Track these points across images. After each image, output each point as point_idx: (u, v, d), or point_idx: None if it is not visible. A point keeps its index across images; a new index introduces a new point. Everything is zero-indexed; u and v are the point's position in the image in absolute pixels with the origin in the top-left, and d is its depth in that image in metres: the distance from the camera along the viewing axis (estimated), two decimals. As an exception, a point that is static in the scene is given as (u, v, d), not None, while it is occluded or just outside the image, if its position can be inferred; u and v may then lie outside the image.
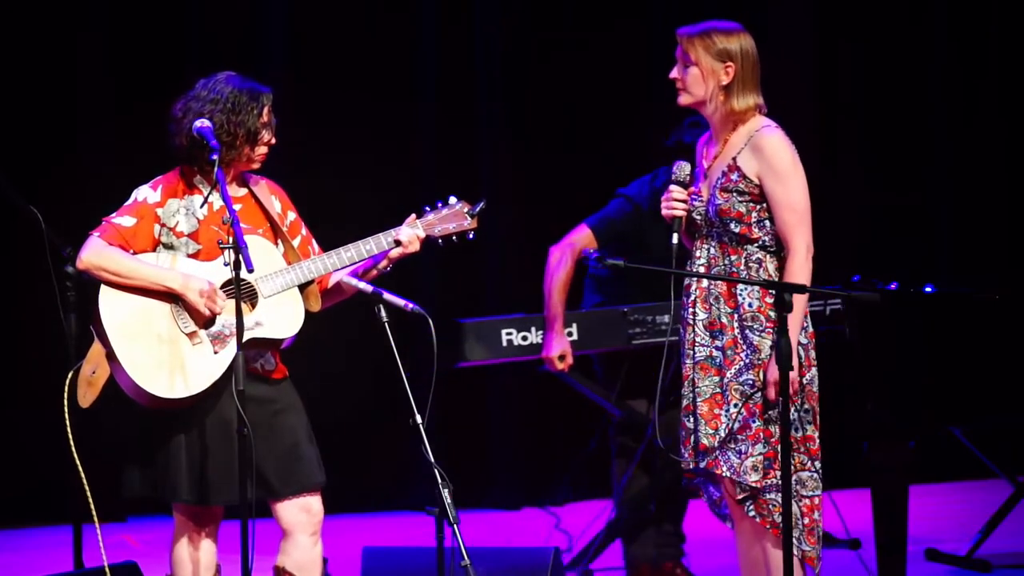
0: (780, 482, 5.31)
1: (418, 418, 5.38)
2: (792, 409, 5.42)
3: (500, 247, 9.72)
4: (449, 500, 5.31)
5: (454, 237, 5.74)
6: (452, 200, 5.75)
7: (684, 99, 5.58)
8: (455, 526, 5.30)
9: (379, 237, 5.66)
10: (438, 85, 9.72)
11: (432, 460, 5.31)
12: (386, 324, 5.50)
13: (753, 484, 5.39)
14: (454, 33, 9.75)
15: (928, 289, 6.76)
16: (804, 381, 5.49)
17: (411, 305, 5.53)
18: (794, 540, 5.35)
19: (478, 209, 5.73)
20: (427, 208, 5.74)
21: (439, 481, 5.31)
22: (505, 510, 9.69)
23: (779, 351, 5.20)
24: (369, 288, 5.61)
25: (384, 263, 5.70)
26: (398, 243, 5.66)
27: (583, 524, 8.96)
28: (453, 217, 5.73)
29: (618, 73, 9.88)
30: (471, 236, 5.75)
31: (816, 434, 5.50)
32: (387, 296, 5.55)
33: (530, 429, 9.88)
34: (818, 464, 5.48)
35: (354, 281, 5.65)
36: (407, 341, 5.60)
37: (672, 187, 5.58)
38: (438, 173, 9.70)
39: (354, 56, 9.62)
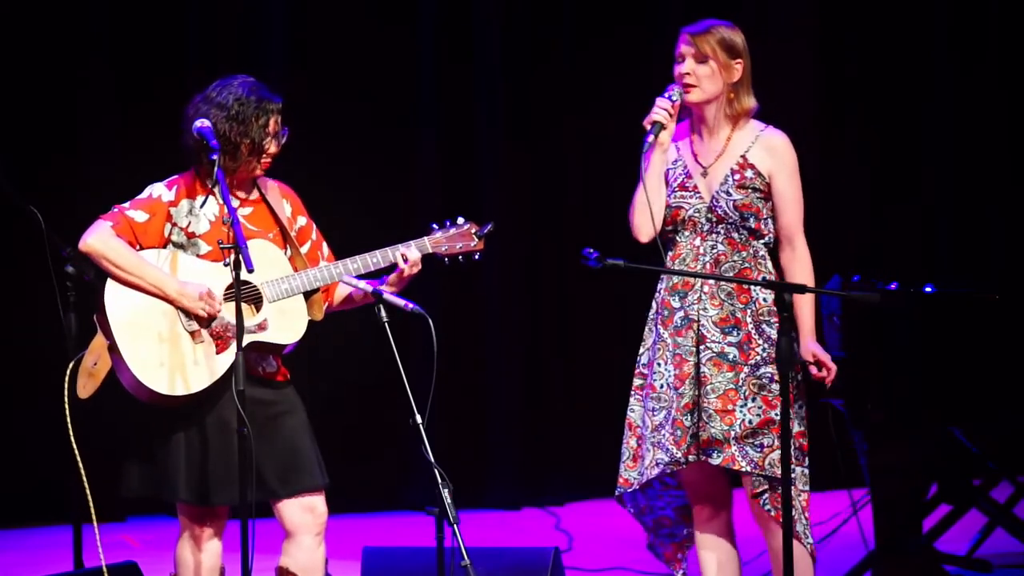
0: (795, 476, 5.46)
1: (418, 418, 5.38)
2: (797, 405, 5.54)
3: (499, 246, 9.71)
4: (449, 500, 5.31)
5: (460, 257, 5.76)
6: (460, 220, 5.78)
7: (696, 96, 5.60)
8: (455, 526, 5.30)
9: (386, 251, 5.68)
10: (438, 84, 9.71)
11: (432, 460, 5.31)
12: (386, 324, 5.50)
13: (779, 477, 5.43)
14: (454, 32, 9.75)
15: (928, 289, 6.77)
16: (798, 379, 5.60)
17: (411, 305, 5.53)
18: (801, 532, 5.52)
19: (486, 231, 5.76)
20: (435, 226, 5.77)
21: (439, 481, 5.31)
22: (505, 510, 9.68)
23: (779, 351, 5.24)
24: (369, 288, 5.61)
25: (392, 289, 5.69)
26: (405, 258, 5.66)
27: (583, 524, 8.98)
28: (460, 237, 5.76)
29: (619, 73, 9.88)
30: (477, 257, 5.78)
31: (805, 431, 5.62)
32: (387, 296, 5.55)
33: (530, 429, 9.88)
34: (807, 461, 5.59)
35: (353, 280, 5.66)
36: (408, 341, 5.61)
37: (659, 100, 5.60)
38: (440, 173, 9.70)
39: (354, 56, 9.61)
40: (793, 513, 5.46)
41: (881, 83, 10.17)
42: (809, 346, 5.61)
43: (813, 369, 5.60)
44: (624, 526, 9.00)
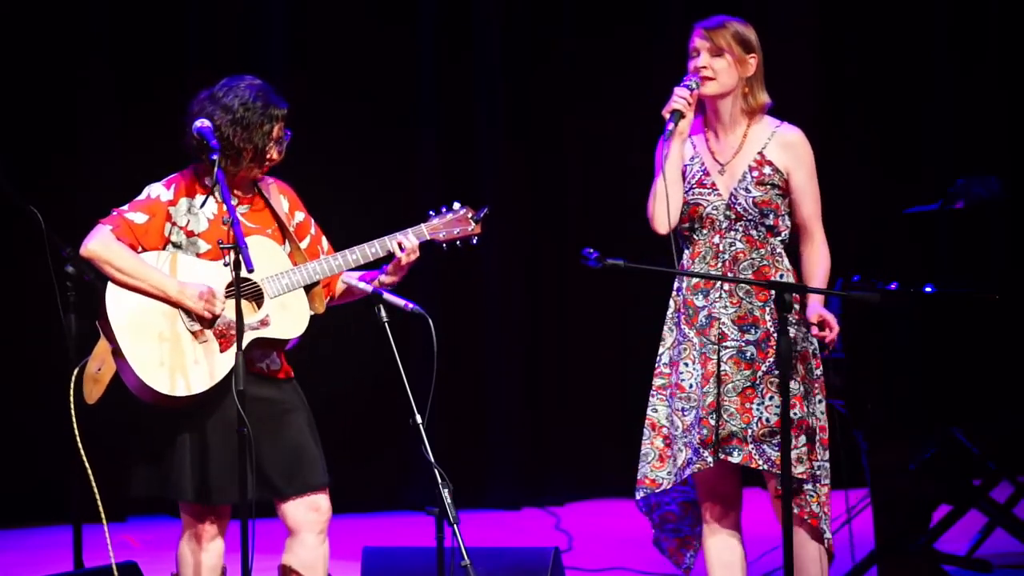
0: (816, 472, 5.53)
1: (418, 418, 5.39)
2: (817, 399, 5.58)
3: (499, 246, 9.72)
4: (449, 500, 5.31)
5: (458, 242, 5.78)
6: (456, 206, 5.80)
7: (713, 88, 5.60)
8: (455, 526, 5.30)
9: (384, 240, 5.70)
10: (438, 84, 9.71)
11: (432, 460, 5.31)
12: (386, 324, 5.50)
13: (799, 476, 5.47)
14: (454, 32, 9.75)
15: (928, 289, 6.77)
16: (816, 374, 5.60)
17: (411, 305, 5.53)
18: (824, 528, 5.57)
19: (482, 215, 5.79)
20: (431, 212, 5.79)
21: (439, 481, 5.31)
22: (505, 510, 9.68)
23: (779, 351, 5.24)
24: (369, 288, 5.62)
25: (391, 279, 5.70)
26: (402, 246, 5.68)
27: (583, 524, 8.98)
28: (457, 222, 5.77)
29: (619, 73, 9.88)
30: (475, 241, 5.80)
31: (826, 426, 5.64)
32: (387, 296, 5.55)
33: (530, 429, 9.88)
34: (827, 455, 5.61)
35: (353, 280, 5.67)
36: (408, 341, 5.61)
37: (678, 88, 5.60)
38: (440, 173, 9.70)
39: (354, 56, 9.61)
40: (817, 509, 5.52)
41: (881, 83, 10.17)
42: (816, 307, 5.58)
43: (815, 330, 5.55)
44: (624, 526, 9.01)
